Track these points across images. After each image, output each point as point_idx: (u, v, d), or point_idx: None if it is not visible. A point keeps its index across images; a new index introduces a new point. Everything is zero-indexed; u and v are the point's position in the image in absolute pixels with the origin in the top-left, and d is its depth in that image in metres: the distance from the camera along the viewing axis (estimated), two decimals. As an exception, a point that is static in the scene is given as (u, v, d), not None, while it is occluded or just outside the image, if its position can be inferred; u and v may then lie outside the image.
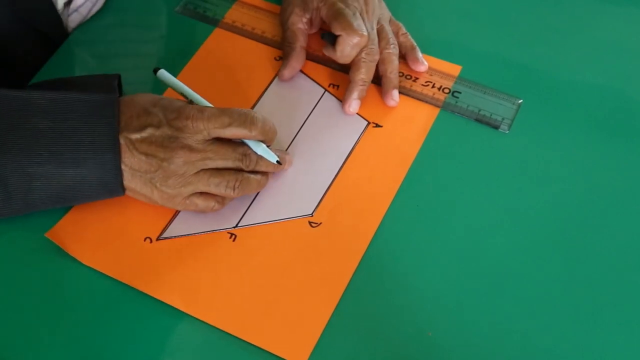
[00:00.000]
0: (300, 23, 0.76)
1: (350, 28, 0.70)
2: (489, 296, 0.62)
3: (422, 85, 0.75)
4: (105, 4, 0.81)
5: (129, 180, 0.63)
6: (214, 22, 0.81)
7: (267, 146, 0.66)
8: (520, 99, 0.73)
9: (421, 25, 0.79)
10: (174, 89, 0.68)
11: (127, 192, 0.64)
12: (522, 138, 0.71)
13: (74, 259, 0.64)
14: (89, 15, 0.80)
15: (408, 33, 0.77)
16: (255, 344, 0.60)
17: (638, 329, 0.61)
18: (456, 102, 0.74)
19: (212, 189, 0.64)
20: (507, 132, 0.72)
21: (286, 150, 0.71)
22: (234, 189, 0.64)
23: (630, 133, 0.72)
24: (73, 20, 0.80)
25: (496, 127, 0.72)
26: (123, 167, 0.62)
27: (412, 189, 0.68)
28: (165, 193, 0.63)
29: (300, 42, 0.76)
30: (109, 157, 0.61)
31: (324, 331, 0.60)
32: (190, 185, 0.63)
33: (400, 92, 0.74)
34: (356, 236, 0.66)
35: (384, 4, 0.78)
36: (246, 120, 0.63)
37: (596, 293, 0.63)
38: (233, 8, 0.82)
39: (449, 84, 0.75)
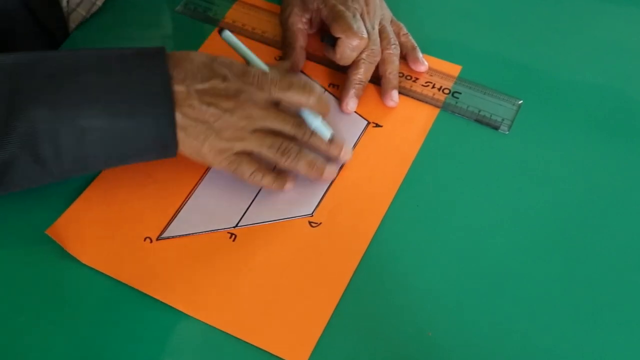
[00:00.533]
0: (299, 23, 0.76)
1: (350, 31, 0.71)
2: (489, 296, 0.62)
3: (422, 85, 0.75)
4: (105, 3, 0.81)
5: (182, 129, 0.63)
6: (215, 22, 0.81)
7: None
8: (521, 100, 0.73)
9: (421, 25, 0.79)
10: (238, 51, 0.69)
11: (178, 146, 0.64)
12: (522, 139, 0.71)
13: (73, 258, 0.64)
14: (89, 15, 0.80)
15: (409, 34, 0.78)
16: (254, 344, 0.60)
17: (638, 329, 0.61)
18: (456, 102, 0.74)
19: (264, 150, 0.65)
20: (507, 132, 0.72)
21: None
22: (284, 155, 0.65)
23: (630, 133, 0.72)
24: (74, 19, 0.80)
25: (496, 128, 0.72)
26: (181, 116, 0.62)
27: (412, 189, 0.68)
28: (217, 146, 0.64)
29: (300, 42, 0.76)
30: (164, 106, 0.61)
31: (324, 331, 0.60)
32: (245, 141, 0.64)
33: (400, 93, 0.74)
34: (356, 236, 0.66)
35: (385, 5, 0.78)
36: (305, 86, 0.65)
37: (596, 293, 0.63)
38: (233, 8, 0.82)
39: (449, 84, 0.75)
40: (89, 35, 0.80)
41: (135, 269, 0.64)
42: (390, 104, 0.74)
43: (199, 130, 0.63)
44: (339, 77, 0.76)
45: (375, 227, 0.66)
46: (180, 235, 0.66)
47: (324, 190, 0.69)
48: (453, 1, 0.83)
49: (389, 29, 0.76)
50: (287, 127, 0.65)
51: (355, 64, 0.73)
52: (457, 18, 0.82)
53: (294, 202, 0.68)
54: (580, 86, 0.76)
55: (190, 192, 0.69)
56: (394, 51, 0.75)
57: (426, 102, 0.74)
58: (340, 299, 0.62)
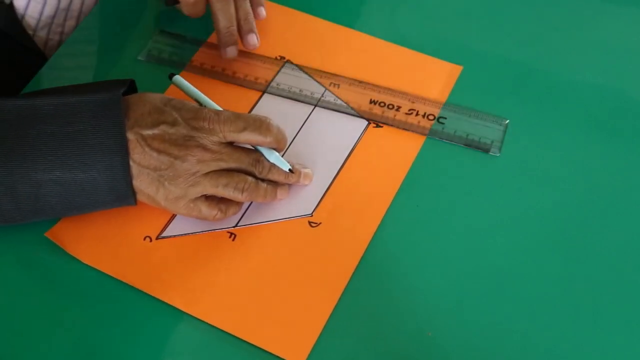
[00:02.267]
0: None
1: None
2: (489, 296, 0.62)
3: (406, 114, 0.73)
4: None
5: (136, 178, 0.62)
6: (181, 66, 0.77)
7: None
8: (507, 120, 0.72)
9: (421, 25, 0.79)
10: (190, 95, 0.67)
11: (136, 195, 0.63)
12: (513, 158, 0.70)
13: (73, 258, 0.64)
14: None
15: None
16: (254, 343, 0.60)
17: (638, 329, 0.61)
18: (442, 128, 0.72)
19: (220, 190, 0.63)
20: (499, 155, 0.70)
21: (286, 151, 0.71)
22: (242, 192, 0.63)
23: (630, 133, 0.72)
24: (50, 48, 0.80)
25: (486, 151, 0.71)
26: (131, 163, 0.61)
27: (412, 189, 0.68)
28: (172, 193, 0.62)
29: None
30: (118, 156, 0.61)
31: (322, 331, 0.60)
32: (198, 186, 0.62)
33: (383, 123, 0.73)
34: (356, 236, 0.66)
35: None
36: (261, 126, 0.63)
37: (596, 293, 0.62)
38: (201, 50, 0.78)
39: (433, 110, 0.73)
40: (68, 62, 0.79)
41: (135, 268, 0.64)
42: (251, 43, 0.76)
43: (152, 179, 0.62)
44: (339, 77, 0.76)
45: (375, 228, 0.66)
46: (180, 235, 0.66)
47: (324, 191, 0.69)
48: (453, 1, 0.83)
49: None
50: (242, 167, 0.64)
51: (213, 15, 0.74)
52: (457, 18, 0.81)
53: (294, 202, 0.68)
54: (580, 86, 0.75)
55: (190, 192, 0.68)
56: None
57: (411, 131, 0.72)
58: (340, 299, 0.62)
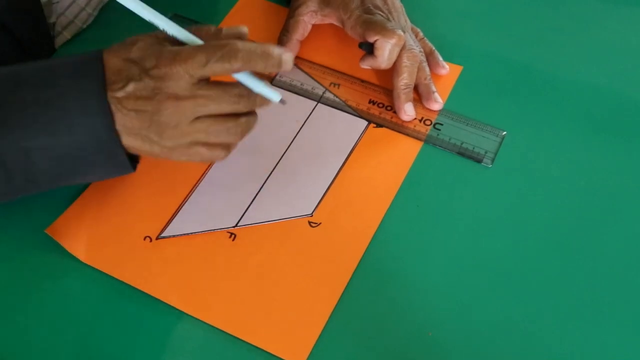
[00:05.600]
0: (307, 16, 0.76)
1: (385, 29, 0.70)
2: (489, 296, 0.62)
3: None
4: (89, 27, 0.81)
5: (127, 140, 0.59)
6: None
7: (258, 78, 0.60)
8: (504, 131, 0.72)
9: (421, 25, 0.79)
10: (141, 15, 0.60)
11: (131, 151, 0.61)
12: (506, 170, 0.70)
13: (73, 257, 0.64)
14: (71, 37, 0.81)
15: (425, 38, 0.77)
16: (254, 343, 0.60)
17: (638, 329, 0.61)
18: (438, 134, 0.72)
19: (213, 138, 0.60)
20: (490, 166, 0.70)
21: (285, 152, 0.71)
22: (234, 135, 0.61)
23: (631, 134, 0.72)
24: (58, 43, 0.79)
25: (479, 161, 0.70)
26: (118, 127, 0.58)
27: (412, 189, 0.68)
28: (165, 147, 0.60)
29: (298, 34, 0.76)
30: (101, 119, 0.58)
31: (323, 331, 0.60)
32: (188, 136, 0.59)
33: (382, 125, 0.73)
34: (356, 236, 0.66)
35: (405, 14, 0.77)
36: (224, 53, 0.57)
37: (597, 294, 0.62)
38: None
39: (431, 115, 0.74)
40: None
41: (135, 268, 0.64)
42: (436, 107, 0.73)
43: (142, 137, 0.59)
44: (340, 77, 0.76)
45: (375, 227, 0.66)
46: (180, 235, 0.66)
47: (324, 191, 0.69)
48: (453, 1, 0.83)
49: (413, 37, 0.75)
50: (224, 107, 0.59)
51: (397, 70, 0.72)
52: (457, 18, 0.82)
53: (294, 202, 0.68)
54: (580, 86, 0.75)
55: (190, 192, 0.68)
56: (422, 58, 0.74)
57: (407, 134, 0.72)
58: (340, 299, 0.62)
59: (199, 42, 0.59)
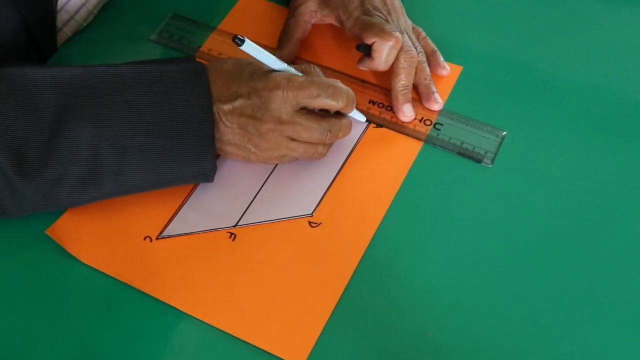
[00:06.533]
0: (306, 16, 0.76)
1: (383, 32, 0.70)
2: (489, 296, 0.62)
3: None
4: (89, 25, 0.81)
5: (222, 150, 0.66)
6: (190, 52, 0.78)
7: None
8: (504, 131, 0.72)
9: (421, 26, 0.79)
10: (261, 60, 0.65)
11: (223, 155, 0.67)
12: (506, 170, 0.70)
13: (73, 257, 0.64)
14: (72, 35, 0.80)
15: (428, 37, 0.77)
16: (254, 343, 0.60)
17: (638, 329, 0.61)
18: (438, 134, 0.72)
19: (298, 155, 0.67)
20: (490, 166, 0.70)
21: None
22: (316, 157, 0.68)
23: (631, 134, 0.72)
24: (59, 39, 0.79)
25: (479, 161, 0.70)
26: (217, 135, 0.64)
27: (412, 189, 0.68)
28: (260, 156, 0.67)
29: (298, 34, 0.76)
30: (205, 127, 0.62)
31: (323, 331, 0.60)
32: (281, 151, 0.66)
33: (382, 125, 0.73)
34: (356, 236, 0.66)
35: (405, 15, 0.77)
36: (335, 92, 0.65)
37: (596, 293, 0.62)
38: (211, 37, 0.79)
39: (431, 115, 0.73)
40: (77, 52, 0.79)
41: (135, 268, 0.64)
42: (436, 107, 0.73)
43: (239, 148, 0.66)
44: (340, 77, 0.76)
45: (375, 227, 0.66)
46: (180, 235, 0.66)
47: (324, 191, 0.69)
48: (453, 1, 0.83)
49: (413, 38, 0.75)
50: (314, 136, 0.66)
51: (395, 71, 0.72)
52: (457, 18, 0.82)
53: (294, 202, 0.68)
54: (580, 86, 0.75)
55: (190, 191, 0.68)
56: (422, 58, 0.74)
57: (407, 135, 0.72)
58: (340, 299, 0.62)
59: (296, 72, 0.66)
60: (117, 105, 0.61)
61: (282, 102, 0.63)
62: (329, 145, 0.69)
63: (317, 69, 0.68)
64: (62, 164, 0.60)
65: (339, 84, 0.66)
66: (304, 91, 0.64)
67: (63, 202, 0.63)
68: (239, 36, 0.62)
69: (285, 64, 0.66)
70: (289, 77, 0.64)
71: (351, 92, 0.67)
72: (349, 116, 0.69)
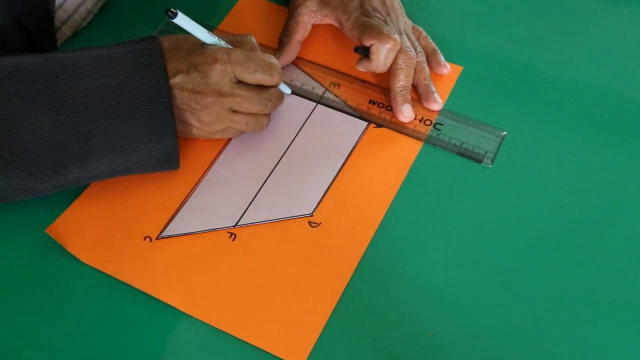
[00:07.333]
0: (306, 16, 0.76)
1: (381, 34, 0.70)
2: (489, 296, 0.62)
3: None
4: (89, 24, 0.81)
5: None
6: None
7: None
8: (504, 131, 0.72)
9: (421, 26, 0.79)
10: (195, 34, 0.66)
11: None
12: (506, 169, 0.70)
13: (73, 257, 0.64)
14: (72, 34, 0.80)
15: (428, 37, 0.77)
16: (253, 344, 0.60)
17: (638, 329, 0.61)
18: (438, 134, 0.72)
19: (238, 127, 0.68)
20: (490, 166, 0.70)
21: (285, 152, 0.71)
22: (258, 127, 0.69)
23: (631, 134, 0.72)
24: (58, 38, 0.79)
25: (479, 161, 0.70)
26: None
27: (413, 189, 0.68)
28: (202, 130, 0.68)
29: (299, 35, 0.76)
30: (164, 106, 0.63)
31: (323, 331, 0.60)
32: (222, 123, 0.67)
33: (382, 125, 0.73)
34: (356, 236, 0.66)
35: (405, 15, 0.77)
36: (271, 67, 0.67)
37: (596, 293, 0.62)
38: None
39: (431, 115, 0.73)
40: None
41: (135, 268, 0.64)
42: (435, 107, 0.73)
43: (184, 124, 0.66)
44: (340, 77, 0.76)
45: (375, 227, 0.66)
46: (180, 235, 0.66)
47: (324, 191, 0.69)
48: (453, 1, 0.83)
49: (413, 38, 0.75)
50: (254, 107, 0.67)
51: (393, 72, 0.72)
52: (457, 18, 0.82)
53: (294, 202, 0.68)
54: (580, 86, 0.75)
55: (190, 191, 0.69)
56: (422, 58, 0.74)
57: (407, 135, 0.72)
58: (340, 299, 0.62)
59: (230, 47, 0.67)
60: (76, 92, 0.62)
61: (221, 75, 0.65)
62: (269, 116, 0.70)
63: (252, 38, 0.69)
64: (26, 153, 0.60)
65: (273, 59, 0.68)
66: (242, 66, 0.65)
67: (28, 190, 0.63)
68: (172, 8, 0.63)
69: (217, 38, 0.67)
70: (227, 51, 0.65)
71: (279, 66, 0.69)
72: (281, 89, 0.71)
